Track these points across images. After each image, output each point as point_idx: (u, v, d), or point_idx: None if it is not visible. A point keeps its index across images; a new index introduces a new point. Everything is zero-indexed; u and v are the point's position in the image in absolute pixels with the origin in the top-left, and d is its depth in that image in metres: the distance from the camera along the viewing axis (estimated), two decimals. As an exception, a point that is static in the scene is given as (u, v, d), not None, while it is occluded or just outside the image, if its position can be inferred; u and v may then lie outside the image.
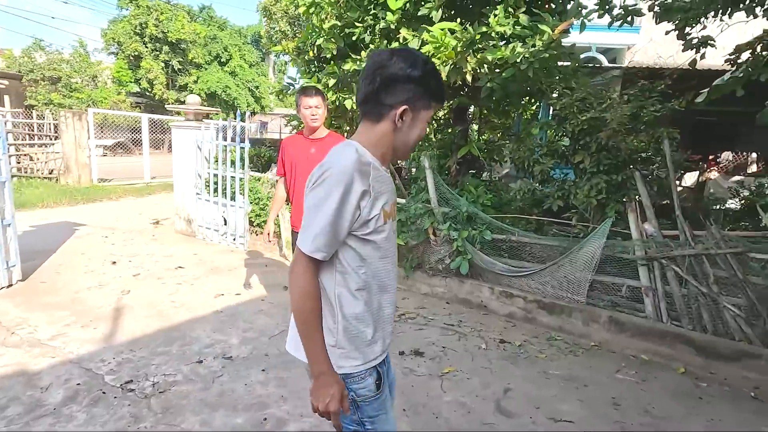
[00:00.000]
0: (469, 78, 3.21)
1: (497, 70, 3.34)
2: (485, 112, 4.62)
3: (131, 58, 19.47)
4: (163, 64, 20.07)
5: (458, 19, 3.07)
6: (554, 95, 3.67)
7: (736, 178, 8.95)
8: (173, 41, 19.83)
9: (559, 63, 3.62)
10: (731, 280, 3.16)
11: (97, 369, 2.63)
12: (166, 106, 7.48)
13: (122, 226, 6.20)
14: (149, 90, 19.96)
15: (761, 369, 2.88)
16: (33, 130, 11.44)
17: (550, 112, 8.77)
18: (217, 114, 19.93)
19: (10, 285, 3.80)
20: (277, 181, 3.06)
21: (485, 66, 3.26)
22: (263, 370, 2.71)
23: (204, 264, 4.74)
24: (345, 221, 1.08)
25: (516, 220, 4.11)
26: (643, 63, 9.30)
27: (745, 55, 3.34)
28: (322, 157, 2.81)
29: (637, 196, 3.53)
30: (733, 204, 5.57)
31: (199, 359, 2.79)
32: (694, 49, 3.38)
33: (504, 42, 3.06)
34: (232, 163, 5.40)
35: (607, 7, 3.95)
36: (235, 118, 5.46)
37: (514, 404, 2.51)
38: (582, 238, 3.66)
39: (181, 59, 20.63)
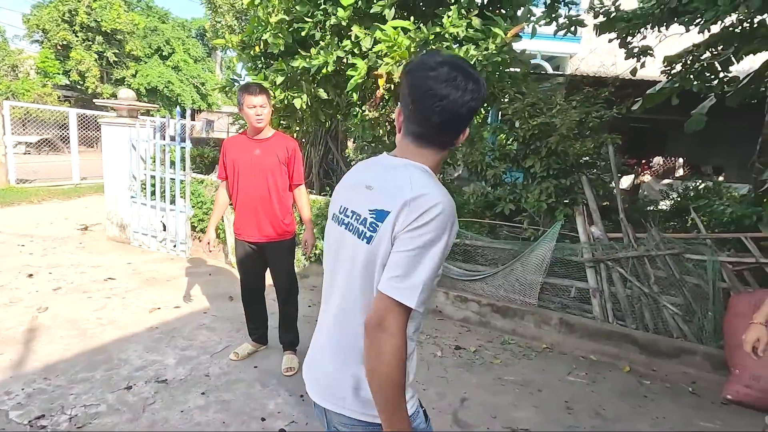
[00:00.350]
0: (422, 80, 3.14)
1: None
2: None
3: (59, 47, 17.81)
4: (96, 56, 18.55)
5: (411, 19, 2.99)
6: (505, 100, 3.70)
7: (666, 181, 9.68)
8: (108, 31, 18.38)
9: (509, 68, 3.66)
10: (669, 280, 3.32)
11: (2, 404, 2.26)
12: (94, 101, 6.83)
13: (43, 233, 5.56)
14: (80, 83, 18.37)
15: (697, 364, 3.04)
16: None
17: (499, 117, 9.01)
18: (158, 110, 18.78)
19: None
20: (219, 185, 2.82)
21: (439, 68, 3.21)
22: (203, 393, 2.46)
23: (139, 274, 4.33)
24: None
25: (469, 224, 4.10)
26: (585, 71, 9.82)
27: (679, 67, 3.53)
28: (269, 159, 2.60)
29: (584, 200, 3.64)
30: (664, 206, 5.96)
31: (128, 385, 2.49)
32: (635, 58, 3.53)
33: (456, 44, 3.01)
34: (172, 163, 5.01)
35: (553, 15, 4.06)
36: (174, 116, 5.07)
37: (471, 415, 2.45)
38: (533, 241, 3.71)
39: (117, 51, 19.18)
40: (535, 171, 3.56)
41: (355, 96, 3.66)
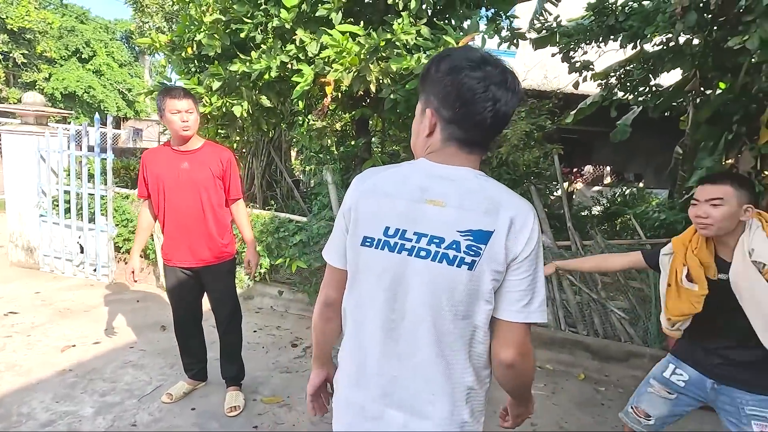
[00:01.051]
0: (373, 88, 3.00)
1: (400, 82, 3.20)
2: (386, 124, 4.50)
3: (-48, 45, 15.66)
4: (0, 56, 16.53)
5: (360, 24, 2.85)
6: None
7: (596, 188, 10.38)
8: (14, 29, 16.45)
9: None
10: (615, 285, 3.43)
11: None
12: (0, 107, 5.96)
13: (-74, 261, 4.69)
14: (-20, 86, 16.25)
15: (645, 366, 3.13)
16: None
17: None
18: (76, 118, 17.06)
19: None
20: (141, 205, 2.47)
21: (389, 76, 3.09)
22: (128, 449, 2.09)
23: (49, 305, 3.74)
24: None
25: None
26: (525, 86, 10.30)
27: (614, 80, 3.71)
28: (200, 172, 2.29)
29: (533, 209, 3.68)
30: (595, 211, 6.32)
31: (31, 447, 2.06)
32: (578, 72, 3.67)
33: (407, 52, 2.91)
34: (91, 177, 4.44)
35: (496, 28, 4.13)
36: (93, 123, 4.51)
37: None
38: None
39: (27, 51, 17.22)
40: (486, 181, 3.55)
41: (300, 104, 3.44)
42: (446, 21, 3.82)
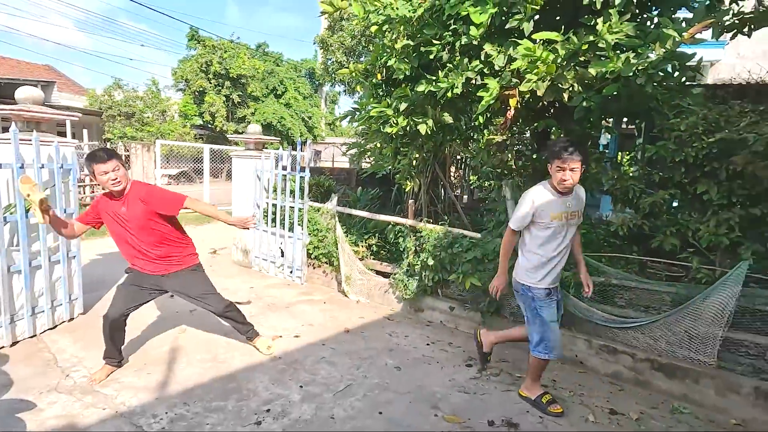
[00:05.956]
0: (566, 96, 2.77)
1: (595, 87, 2.88)
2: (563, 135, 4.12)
3: (196, 93, 20.76)
4: (224, 98, 21.21)
5: (561, 29, 2.66)
6: (670, 114, 3.11)
7: None
8: (234, 77, 20.96)
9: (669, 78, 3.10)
10: None
11: (149, 427, 2.33)
12: (227, 135, 7.61)
13: (181, 256, 6.16)
14: (211, 122, 21.10)
15: None
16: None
17: (614, 140, 8.03)
18: (273, 144, 20.61)
19: (72, 319, 3.70)
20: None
21: (583, 82, 2.81)
22: (330, 439, 2.29)
23: (260, 299, 4.48)
24: None
25: (615, 260, 3.50)
26: (727, 80, 8.41)
27: None
28: (134, 213, 2.56)
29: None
30: None
31: (258, 420, 2.43)
32: None
33: (611, 53, 2.59)
34: (291, 192, 5.22)
35: (714, 15, 3.39)
36: (289, 148, 5.31)
37: None
38: (705, 284, 3.00)
39: (241, 93, 21.71)
40: (709, 198, 2.90)
41: (481, 119, 3.40)
42: (650, 13, 3.32)
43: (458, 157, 6.97)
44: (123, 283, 2.87)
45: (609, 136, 6.99)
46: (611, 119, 4.88)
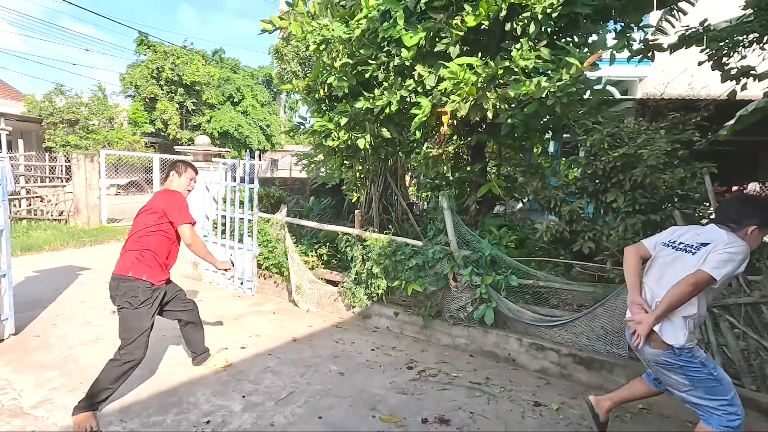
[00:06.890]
0: (490, 114, 3.02)
1: (518, 106, 3.16)
2: (502, 148, 4.43)
3: (147, 100, 20.04)
4: (177, 105, 20.61)
5: (478, 54, 2.91)
6: (579, 131, 3.45)
7: None
8: (188, 83, 20.43)
9: (581, 97, 3.44)
10: (797, 332, 2.79)
11: (81, 446, 2.31)
12: (175, 147, 7.48)
13: (127, 270, 5.98)
14: (163, 130, 20.41)
15: None
16: (45, 173, 11.56)
17: (557, 148, 8.58)
18: (227, 153, 20.04)
19: (2, 340, 3.55)
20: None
21: (506, 102, 3.08)
22: (268, 446, 2.37)
23: (209, 311, 4.46)
24: None
25: (542, 264, 3.80)
26: (655, 94, 9.19)
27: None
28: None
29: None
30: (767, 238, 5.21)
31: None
32: (735, 80, 3.16)
33: (525, 77, 2.87)
34: (241, 203, 5.23)
35: (626, 43, 3.80)
36: (244, 157, 5.34)
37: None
38: (618, 283, 3.34)
39: (195, 100, 21.19)
40: (618, 206, 3.24)
41: (418, 134, 3.61)
42: (568, 40, 3.67)
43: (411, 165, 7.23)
44: (146, 325, 2.71)
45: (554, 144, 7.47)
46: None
